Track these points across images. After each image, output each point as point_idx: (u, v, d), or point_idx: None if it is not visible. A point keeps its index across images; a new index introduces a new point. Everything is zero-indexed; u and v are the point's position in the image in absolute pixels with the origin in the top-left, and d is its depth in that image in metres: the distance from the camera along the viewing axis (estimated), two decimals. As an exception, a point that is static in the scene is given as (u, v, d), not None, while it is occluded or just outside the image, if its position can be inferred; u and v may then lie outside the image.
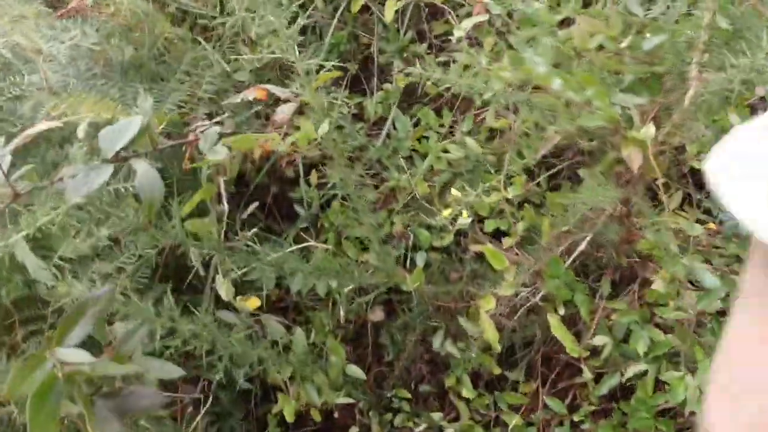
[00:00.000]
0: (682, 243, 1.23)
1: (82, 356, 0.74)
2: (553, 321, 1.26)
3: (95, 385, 0.78)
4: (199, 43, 1.57)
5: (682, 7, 1.12)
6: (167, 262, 1.41)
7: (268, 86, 1.25)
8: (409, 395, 1.51)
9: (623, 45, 1.18)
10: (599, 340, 1.29)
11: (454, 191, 1.27)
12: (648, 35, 1.16)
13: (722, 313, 1.33)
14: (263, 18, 1.54)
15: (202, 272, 1.32)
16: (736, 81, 0.97)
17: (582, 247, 1.28)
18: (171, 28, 1.50)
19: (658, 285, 1.22)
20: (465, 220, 1.22)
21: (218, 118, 1.24)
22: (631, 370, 1.27)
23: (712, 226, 1.28)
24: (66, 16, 1.43)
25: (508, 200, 1.39)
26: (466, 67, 1.42)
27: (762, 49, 0.97)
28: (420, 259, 1.42)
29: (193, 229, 1.26)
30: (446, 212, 1.25)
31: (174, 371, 0.92)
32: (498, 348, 1.27)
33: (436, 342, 1.38)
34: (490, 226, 1.41)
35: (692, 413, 1.20)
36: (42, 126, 0.99)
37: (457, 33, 1.45)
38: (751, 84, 1.07)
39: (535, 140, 1.28)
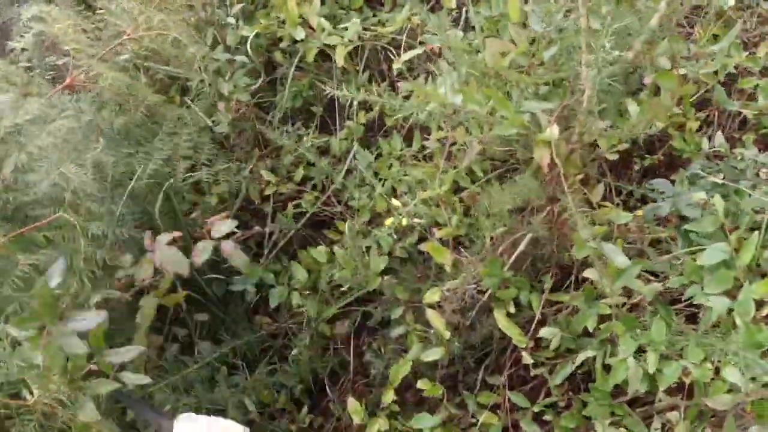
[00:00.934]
0: (608, 231, 1.29)
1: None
2: (499, 316, 1.33)
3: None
4: (182, 104, 1.76)
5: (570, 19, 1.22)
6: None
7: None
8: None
9: (532, 59, 1.29)
10: (547, 332, 1.35)
11: (393, 200, 1.38)
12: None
13: (673, 301, 1.38)
14: (231, 78, 1.73)
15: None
16: (610, 75, 1.06)
17: (522, 246, 1.36)
18: (152, 95, 1.68)
19: (590, 273, 1.28)
20: (406, 223, 1.34)
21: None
22: (581, 357, 1.32)
23: (640, 213, 1.33)
24: (61, 92, 1.64)
25: (454, 210, 1.49)
26: (417, 96, 1.55)
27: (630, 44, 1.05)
28: (382, 262, 1.52)
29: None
30: (388, 221, 1.36)
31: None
32: (447, 335, 1.34)
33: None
34: (441, 233, 1.51)
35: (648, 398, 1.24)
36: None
37: (396, 66, 1.59)
38: (638, 75, 1.16)
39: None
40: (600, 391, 1.34)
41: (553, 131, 1.19)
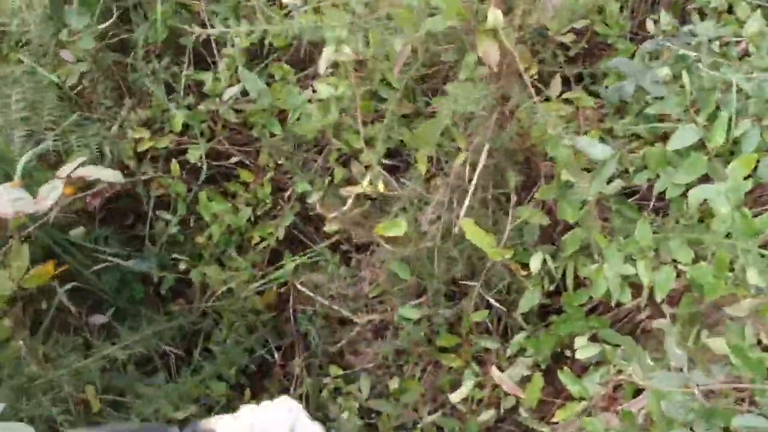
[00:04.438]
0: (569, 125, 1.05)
1: None
2: (468, 225, 1.06)
3: None
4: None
5: None
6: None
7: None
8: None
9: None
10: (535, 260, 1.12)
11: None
12: None
13: (629, 194, 1.18)
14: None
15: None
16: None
17: (482, 161, 1.08)
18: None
19: (568, 175, 1.03)
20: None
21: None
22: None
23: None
24: None
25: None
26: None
27: None
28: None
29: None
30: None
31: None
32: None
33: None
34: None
35: (619, 304, 1.04)
36: None
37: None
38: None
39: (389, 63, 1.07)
40: (572, 306, 1.15)
41: (496, 16, 0.90)
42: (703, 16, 1.24)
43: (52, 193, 0.89)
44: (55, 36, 1.26)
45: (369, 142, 1.18)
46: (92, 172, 0.94)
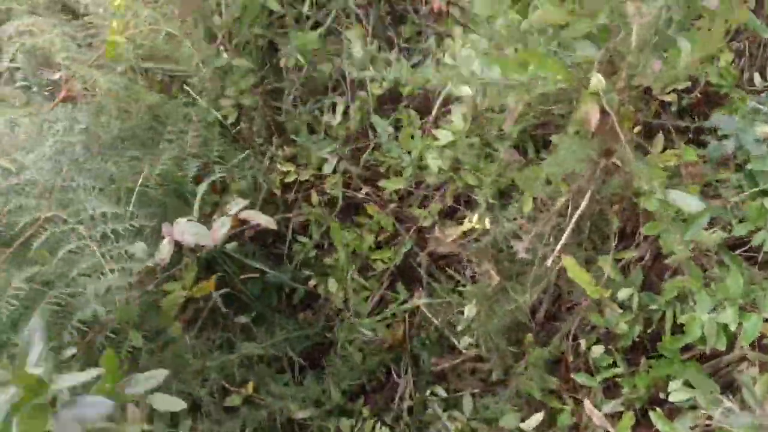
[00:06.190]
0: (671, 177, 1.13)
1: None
2: (569, 262, 1.16)
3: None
4: (187, 102, 1.59)
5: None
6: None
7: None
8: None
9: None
10: (624, 293, 1.20)
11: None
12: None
13: (733, 247, 1.22)
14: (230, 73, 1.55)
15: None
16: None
17: (583, 207, 1.19)
18: (152, 96, 1.50)
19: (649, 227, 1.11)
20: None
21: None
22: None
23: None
24: (61, 105, 1.48)
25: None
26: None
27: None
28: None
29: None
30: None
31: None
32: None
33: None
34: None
35: (716, 352, 1.09)
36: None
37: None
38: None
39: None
40: (670, 350, 1.20)
41: (599, 80, 1.02)
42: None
43: (222, 229, 1.15)
44: (222, 83, 1.55)
45: (480, 184, 1.33)
46: (253, 216, 1.19)
